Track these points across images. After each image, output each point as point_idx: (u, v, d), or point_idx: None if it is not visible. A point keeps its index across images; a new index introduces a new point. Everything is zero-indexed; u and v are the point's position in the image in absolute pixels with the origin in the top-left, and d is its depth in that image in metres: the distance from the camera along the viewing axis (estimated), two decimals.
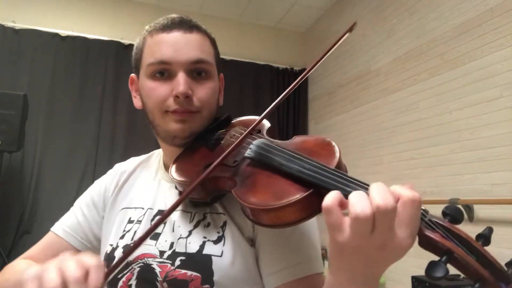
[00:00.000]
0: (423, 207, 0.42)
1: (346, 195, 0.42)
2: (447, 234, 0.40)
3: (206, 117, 0.72)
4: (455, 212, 0.42)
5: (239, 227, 0.66)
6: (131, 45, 3.36)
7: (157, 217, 0.71)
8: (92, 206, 0.82)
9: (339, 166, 0.51)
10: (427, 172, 2.39)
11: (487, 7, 2.09)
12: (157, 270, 0.63)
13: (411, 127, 2.56)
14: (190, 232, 0.66)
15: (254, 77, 3.89)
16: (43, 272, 0.45)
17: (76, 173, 3.20)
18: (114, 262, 0.50)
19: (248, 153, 0.59)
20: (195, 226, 0.67)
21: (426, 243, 0.41)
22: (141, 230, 0.70)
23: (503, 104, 1.96)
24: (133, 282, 0.64)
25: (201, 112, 0.71)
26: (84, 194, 0.85)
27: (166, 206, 0.73)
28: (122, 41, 3.48)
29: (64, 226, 0.80)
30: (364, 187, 0.45)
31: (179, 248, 0.65)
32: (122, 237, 0.71)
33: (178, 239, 0.66)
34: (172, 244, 0.66)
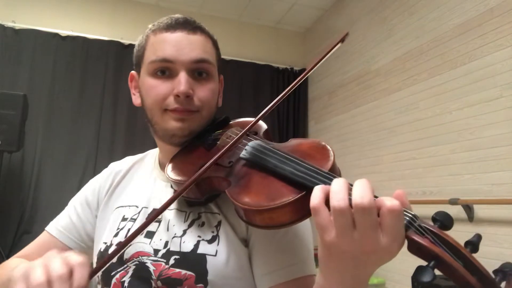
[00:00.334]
0: (412, 213, 0.43)
1: None
2: (435, 239, 0.41)
3: (205, 117, 0.73)
4: (445, 218, 0.42)
5: (233, 227, 0.66)
6: (131, 45, 3.37)
7: (148, 218, 0.72)
8: (85, 205, 0.82)
9: (333, 169, 0.52)
10: (427, 172, 2.39)
11: (487, 7, 2.09)
12: (151, 268, 0.64)
13: (411, 127, 2.56)
14: (184, 231, 0.67)
15: (254, 77, 3.89)
16: (29, 270, 0.46)
17: (76, 173, 3.20)
18: (104, 258, 0.51)
19: (243, 154, 0.60)
20: (190, 225, 0.67)
21: (415, 248, 0.41)
22: (135, 228, 0.70)
23: (503, 104, 1.96)
24: (126, 279, 0.65)
25: (201, 112, 0.71)
26: (79, 193, 0.86)
27: (161, 205, 0.73)
28: (122, 41, 3.48)
29: (58, 226, 0.81)
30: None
31: (173, 247, 0.65)
32: (116, 235, 0.71)
33: (173, 238, 0.66)
34: (166, 243, 0.66)
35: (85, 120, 3.31)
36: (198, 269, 0.62)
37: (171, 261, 0.63)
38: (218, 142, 0.70)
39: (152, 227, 0.69)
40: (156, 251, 0.65)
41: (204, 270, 0.62)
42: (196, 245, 0.64)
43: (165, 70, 0.70)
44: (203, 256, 0.63)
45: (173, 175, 0.67)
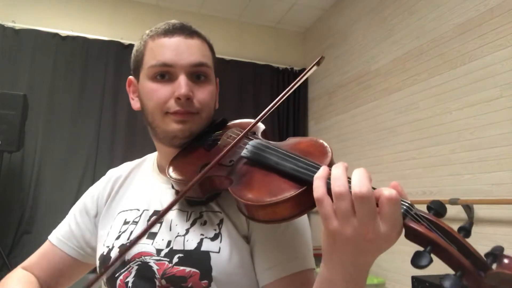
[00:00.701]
0: (408, 202, 0.45)
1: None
2: (431, 226, 0.43)
3: (205, 119, 0.74)
4: (439, 207, 0.45)
5: (235, 225, 0.68)
6: (131, 45, 3.37)
7: (154, 218, 0.73)
8: (84, 213, 0.83)
9: (331, 165, 0.54)
10: (427, 172, 2.39)
11: (487, 7, 2.09)
12: (155, 267, 0.65)
13: (411, 127, 2.56)
14: (187, 230, 0.68)
15: (254, 77, 3.89)
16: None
17: (76, 173, 3.20)
18: (111, 261, 0.51)
19: (244, 152, 0.62)
20: (192, 224, 0.69)
21: (412, 235, 0.44)
22: (137, 230, 0.72)
23: (503, 104, 1.96)
24: (130, 279, 0.66)
25: (201, 113, 0.73)
26: (78, 201, 0.87)
27: (162, 206, 0.74)
28: (122, 41, 3.48)
29: (58, 235, 0.83)
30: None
31: (176, 246, 0.66)
32: (118, 238, 0.72)
33: (176, 237, 0.67)
34: (169, 242, 0.67)
35: (85, 120, 3.32)
36: (202, 266, 0.63)
37: (175, 260, 0.64)
38: (219, 142, 0.71)
39: (154, 228, 0.70)
40: (158, 251, 0.66)
41: (208, 266, 0.63)
42: (200, 243, 0.65)
43: (164, 74, 0.72)
44: (206, 253, 0.64)
45: (174, 175, 0.68)
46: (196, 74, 0.73)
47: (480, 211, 2.01)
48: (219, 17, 3.91)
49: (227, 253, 0.65)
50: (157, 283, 0.63)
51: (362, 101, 3.12)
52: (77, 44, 3.38)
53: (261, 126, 0.73)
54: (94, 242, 0.80)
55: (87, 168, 3.25)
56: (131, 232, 0.72)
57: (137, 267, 0.66)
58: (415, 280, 1.99)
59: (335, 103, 3.53)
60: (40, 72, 3.23)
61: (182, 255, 0.65)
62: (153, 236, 0.69)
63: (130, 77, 0.81)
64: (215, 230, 0.67)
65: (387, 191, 0.43)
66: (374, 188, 0.45)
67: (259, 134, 0.71)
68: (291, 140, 0.64)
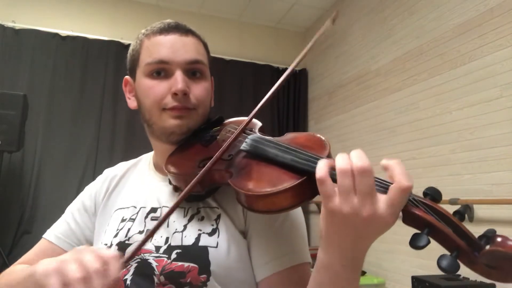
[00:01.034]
0: None
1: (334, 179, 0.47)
2: (428, 210, 0.45)
3: (201, 115, 0.75)
4: (434, 192, 0.47)
5: (232, 220, 0.69)
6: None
7: (151, 214, 0.73)
8: (83, 211, 0.83)
9: (330, 157, 0.55)
10: (427, 172, 2.39)
11: (487, 7, 2.09)
12: (154, 264, 0.65)
13: (411, 127, 2.56)
14: (185, 226, 0.69)
15: (254, 77, 3.89)
16: (63, 265, 0.46)
17: (76, 173, 3.20)
18: (130, 252, 0.52)
19: (244, 146, 0.63)
20: (190, 220, 0.69)
21: (410, 219, 0.46)
22: (135, 227, 0.72)
23: (503, 104, 1.96)
24: (128, 277, 0.66)
25: (197, 109, 0.74)
26: (75, 200, 0.87)
27: (159, 203, 0.75)
28: (122, 41, 3.48)
29: (56, 233, 0.81)
30: None
31: (174, 242, 0.67)
32: (115, 236, 0.73)
33: (173, 233, 0.68)
34: (167, 239, 0.67)
35: (85, 120, 3.32)
36: (200, 261, 0.64)
37: (173, 255, 0.65)
38: (218, 137, 0.72)
39: (152, 225, 0.70)
40: (157, 248, 0.67)
41: (207, 261, 0.64)
42: (197, 238, 0.66)
43: (160, 71, 0.72)
44: (205, 248, 0.65)
45: (173, 170, 0.69)
46: (191, 71, 0.74)
47: (480, 211, 2.01)
48: (219, 17, 3.91)
49: (225, 247, 0.65)
50: (156, 279, 0.64)
51: (362, 101, 3.12)
52: (77, 44, 3.38)
53: (258, 123, 0.74)
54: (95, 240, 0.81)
55: (87, 168, 3.25)
56: (129, 229, 0.72)
57: (136, 264, 0.66)
58: (415, 280, 1.99)
59: (335, 103, 3.53)
60: (40, 72, 3.23)
61: (180, 250, 0.65)
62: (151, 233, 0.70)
63: (126, 76, 0.81)
64: (213, 225, 0.68)
65: (406, 181, 0.44)
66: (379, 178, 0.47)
67: (257, 131, 0.71)
68: (289, 135, 0.65)
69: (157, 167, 0.82)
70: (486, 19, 2.09)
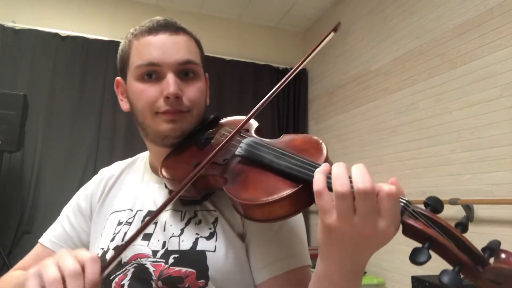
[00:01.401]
0: (406, 199, 0.45)
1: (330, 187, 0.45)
2: (429, 222, 0.43)
3: (196, 117, 0.73)
4: (436, 203, 0.45)
5: (230, 223, 0.67)
6: None
7: (147, 218, 0.71)
8: (78, 213, 0.81)
9: (327, 161, 0.53)
10: (427, 172, 2.39)
11: (487, 7, 2.09)
12: (151, 269, 0.64)
13: (411, 127, 2.56)
14: (182, 230, 0.67)
15: (254, 77, 3.89)
16: (42, 268, 0.46)
17: (76, 173, 3.20)
18: (110, 257, 0.51)
19: (238, 151, 0.61)
20: (187, 224, 0.68)
21: (410, 232, 0.44)
22: (131, 231, 0.70)
23: (503, 104, 1.96)
24: (125, 282, 0.65)
25: (191, 111, 0.72)
26: (70, 202, 0.85)
27: (156, 206, 0.73)
28: (122, 41, 3.47)
29: (51, 237, 0.80)
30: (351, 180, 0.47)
31: (171, 247, 0.65)
32: (112, 240, 0.71)
33: (170, 237, 0.66)
34: (164, 243, 0.66)
35: (85, 120, 3.31)
36: (198, 266, 0.63)
37: (170, 260, 0.64)
38: (212, 141, 0.71)
39: (149, 229, 0.69)
40: (154, 252, 0.65)
41: (205, 266, 0.63)
42: (195, 243, 0.65)
43: (151, 73, 0.70)
44: (202, 253, 0.64)
45: (167, 174, 0.68)
46: (184, 72, 0.72)
47: (480, 211, 2.01)
48: (219, 17, 3.91)
49: (223, 251, 0.64)
50: (154, 284, 0.62)
51: (362, 101, 3.12)
52: (77, 44, 3.38)
53: (255, 124, 0.72)
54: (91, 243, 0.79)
55: (87, 168, 3.24)
56: (125, 233, 0.70)
57: (133, 269, 0.65)
58: (415, 280, 1.99)
59: (335, 103, 3.53)
60: (40, 72, 3.23)
61: (178, 255, 0.64)
62: (148, 237, 0.68)
63: (118, 78, 0.79)
64: (210, 229, 0.66)
65: (387, 187, 0.43)
66: None
67: (253, 132, 0.69)
68: (285, 138, 0.63)
69: (154, 168, 0.80)
70: (486, 19, 2.09)
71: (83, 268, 0.46)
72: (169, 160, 0.71)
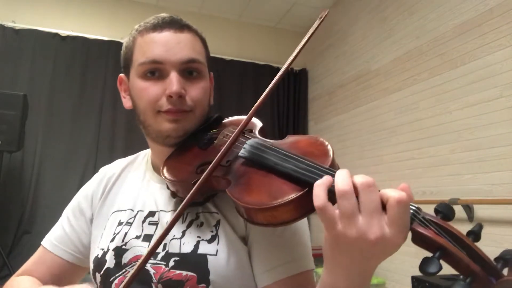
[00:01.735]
0: (415, 206, 0.43)
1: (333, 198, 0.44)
2: (439, 231, 0.41)
3: (199, 117, 0.72)
4: (447, 210, 0.43)
5: (232, 226, 0.66)
6: None
7: (149, 219, 0.71)
8: (79, 214, 0.80)
9: (333, 165, 0.52)
10: (427, 172, 2.39)
11: (487, 7, 2.09)
12: (152, 271, 0.63)
13: (411, 127, 2.56)
14: (183, 233, 0.66)
15: (254, 77, 3.89)
16: None
17: (76, 173, 3.20)
18: (131, 271, 0.51)
19: (242, 152, 0.59)
20: (188, 226, 0.67)
21: (420, 240, 0.42)
22: (132, 232, 0.69)
23: (503, 104, 1.96)
24: None
25: (194, 111, 0.70)
26: (71, 202, 0.83)
27: (157, 207, 0.72)
28: (122, 41, 3.42)
29: (52, 239, 0.78)
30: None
31: (172, 249, 0.64)
32: (112, 240, 0.70)
33: (171, 240, 0.65)
34: (165, 245, 0.65)
35: (85, 120, 3.31)
36: (199, 270, 0.61)
37: (171, 263, 0.62)
38: (215, 141, 0.69)
39: (149, 230, 0.68)
40: (155, 254, 0.64)
41: (206, 270, 0.61)
42: (196, 246, 0.64)
43: (155, 71, 0.68)
44: (204, 256, 0.62)
45: (169, 176, 0.66)
46: (188, 70, 0.70)
47: (480, 211, 2.01)
48: (219, 17, 3.91)
49: (224, 255, 0.63)
50: (154, 287, 0.62)
51: (362, 101, 3.12)
52: (77, 44, 3.38)
53: (259, 124, 0.70)
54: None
55: (87, 168, 3.24)
56: (125, 234, 0.69)
57: (133, 271, 0.65)
58: (415, 280, 1.99)
59: (335, 103, 3.53)
60: (40, 72, 3.23)
61: (178, 258, 0.63)
62: (149, 238, 0.67)
63: (121, 74, 0.77)
64: (212, 231, 0.65)
65: (396, 193, 0.42)
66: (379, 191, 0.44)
67: (257, 132, 0.68)
68: (290, 139, 0.61)
69: (155, 167, 0.79)
70: (486, 19, 2.09)
71: None
72: (171, 161, 0.70)
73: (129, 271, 0.64)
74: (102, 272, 0.67)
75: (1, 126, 2.64)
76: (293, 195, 0.48)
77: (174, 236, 0.66)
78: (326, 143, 0.56)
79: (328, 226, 0.44)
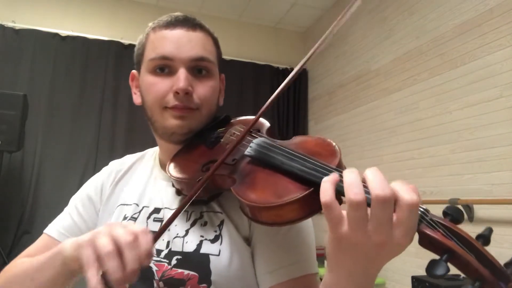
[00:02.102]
0: (424, 207, 0.43)
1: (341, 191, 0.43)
2: (448, 233, 0.40)
3: (205, 115, 0.72)
4: (456, 212, 0.42)
5: (236, 226, 0.66)
6: (131, 45, 3.37)
7: (154, 215, 0.71)
8: (88, 203, 0.79)
9: (340, 165, 0.51)
10: (427, 172, 2.39)
11: (487, 7, 2.09)
12: (154, 269, 0.63)
13: (411, 127, 2.56)
14: (187, 231, 0.66)
15: (254, 77, 3.89)
16: (94, 238, 0.47)
17: (76, 173, 3.20)
18: (158, 229, 0.52)
19: (248, 151, 0.59)
20: (192, 225, 0.67)
21: (427, 242, 0.41)
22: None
23: (503, 104, 1.96)
24: None
25: (200, 109, 0.70)
26: (79, 192, 0.83)
27: (163, 204, 0.72)
28: (122, 41, 3.47)
29: (59, 227, 0.77)
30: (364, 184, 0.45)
31: (175, 247, 0.64)
32: None
33: (174, 238, 0.65)
34: (168, 243, 0.65)
35: (85, 120, 3.31)
36: (201, 269, 0.62)
37: (173, 262, 0.63)
38: (222, 140, 0.69)
39: (154, 227, 0.69)
40: (158, 252, 0.65)
41: (208, 270, 0.61)
42: (199, 245, 0.64)
43: (164, 67, 0.69)
44: (206, 256, 0.62)
45: (175, 174, 0.66)
46: (197, 68, 0.70)
47: (480, 211, 2.01)
48: (219, 17, 3.91)
49: (227, 256, 0.63)
50: (155, 284, 0.62)
51: (362, 101, 3.12)
52: (77, 44, 3.38)
53: (266, 124, 0.71)
54: None
55: (87, 167, 3.24)
56: None
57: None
58: (415, 280, 1.99)
59: (335, 103, 3.53)
60: (40, 72, 3.23)
61: (181, 257, 0.63)
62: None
63: (133, 71, 0.78)
64: (216, 231, 0.65)
65: (408, 195, 0.40)
66: None
67: (264, 132, 0.68)
68: (297, 139, 0.61)
69: (162, 164, 0.79)
70: (486, 19, 2.09)
71: (136, 239, 0.47)
72: (178, 159, 0.70)
73: None
74: None
75: (1, 126, 2.64)
76: (299, 194, 0.47)
77: (178, 234, 0.66)
78: (334, 143, 0.56)
79: (333, 226, 0.43)
